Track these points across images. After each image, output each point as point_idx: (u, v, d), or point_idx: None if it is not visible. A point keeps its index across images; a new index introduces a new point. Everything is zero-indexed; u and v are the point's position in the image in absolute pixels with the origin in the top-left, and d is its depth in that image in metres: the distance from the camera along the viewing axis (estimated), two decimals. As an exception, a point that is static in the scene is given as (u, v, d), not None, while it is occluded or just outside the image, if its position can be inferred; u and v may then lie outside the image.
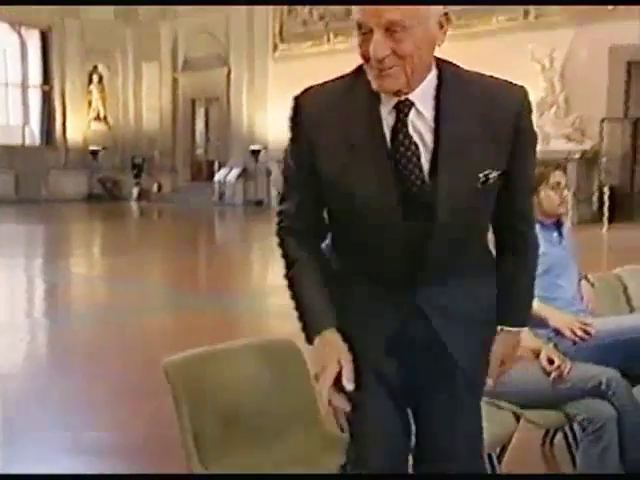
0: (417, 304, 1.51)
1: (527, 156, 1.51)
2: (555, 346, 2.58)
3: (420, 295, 1.51)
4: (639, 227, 12.58)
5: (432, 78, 1.43)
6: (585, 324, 2.63)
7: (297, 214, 1.58)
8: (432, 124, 1.42)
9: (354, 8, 1.37)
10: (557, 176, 2.77)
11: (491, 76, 1.49)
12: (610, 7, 13.42)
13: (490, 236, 1.63)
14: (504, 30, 14.50)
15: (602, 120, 13.50)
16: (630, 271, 3.41)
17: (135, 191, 21.65)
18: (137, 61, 22.77)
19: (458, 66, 1.48)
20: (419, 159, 1.43)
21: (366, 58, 1.38)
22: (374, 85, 1.40)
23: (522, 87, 1.49)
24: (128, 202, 21.08)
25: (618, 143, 13.71)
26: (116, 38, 22.45)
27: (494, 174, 1.44)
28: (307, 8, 18.34)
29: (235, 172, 19.24)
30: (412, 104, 1.42)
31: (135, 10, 22.41)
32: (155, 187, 21.76)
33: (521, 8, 14.52)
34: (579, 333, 2.60)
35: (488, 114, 1.43)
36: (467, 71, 1.48)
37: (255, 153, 18.72)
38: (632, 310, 3.24)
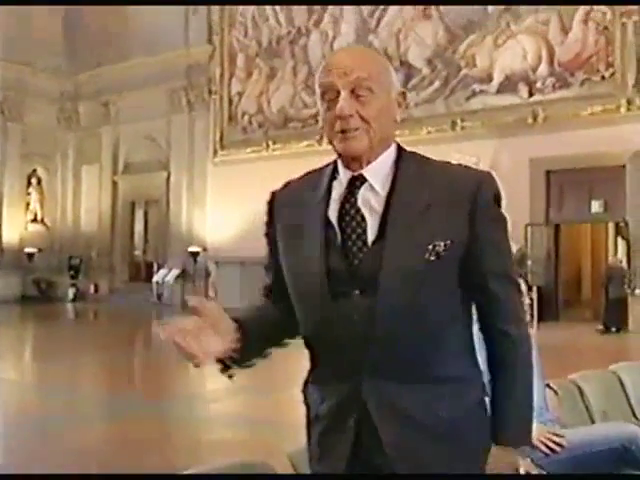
0: (362, 398, 1.39)
1: (490, 238, 1.42)
2: (530, 459, 2.46)
3: (366, 388, 1.39)
4: (565, 327, 13.16)
5: (390, 154, 1.44)
6: (556, 435, 2.55)
7: (267, 294, 1.60)
8: (383, 198, 1.41)
9: (319, 74, 1.44)
10: None
11: (459, 164, 1.50)
12: (529, 121, 14.52)
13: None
14: (433, 140, 15.30)
15: (526, 225, 14.29)
16: (584, 376, 3.44)
17: (71, 292, 21.35)
18: (77, 164, 23.01)
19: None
20: (364, 231, 1.40)
21: (331, 125, 1.40)
22: (338, 148, 1.41)
23: (485, 171, 1.49)
24: (63, 303, 20.72)
25: (541, 246, 14.48)
26: (57, 142, 22.74)
27: (442, 244, 1.36)
28: (247, 117, 19.10)
29: (174, 273, 19.30)
30: (365, 179, 1.42)
31: (77, 115, 22.89)
32: (92, 288, 21.53)
33: (449, 120, 15.52)
34: (551, 445, 2.52)
35: (442, 189, 1.40)
36: (429, 158, 1.48)
37: (194, 254, 18.89)
38: (592, 416, 3.20)
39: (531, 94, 14.63)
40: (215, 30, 19.63)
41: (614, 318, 12.23)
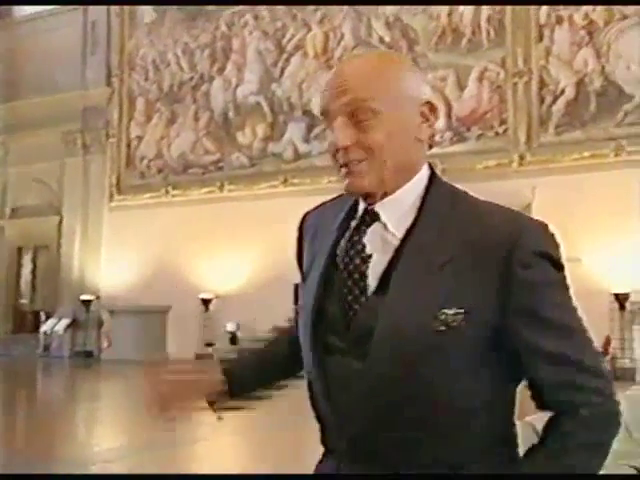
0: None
1: (535, 299, 1.11)
2: None
3: (344, 472, 1.18)
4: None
5: (416, 185, 1.19)
6: None
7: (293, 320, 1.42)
8: (397, 240, 1.16)
9: (321, 98, 1.22)
10: None
11: (503, 208, 1.20)
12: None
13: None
14: (333, 190, 15.44)
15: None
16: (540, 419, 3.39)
17: (-53, 344, 19.83)
18: (-41, 207, 21.69)
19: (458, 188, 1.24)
20: (362, 277, 1.17)
21: (332, 156, 1.19)
22: (344, 187, 1.20)
23: (531, 219, 1.19)
24: (-61, 356, 19.19)
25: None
26: (-62, 183, 21.40)
27: (451, 312, 1.09)
28: (145, 162, 18.66)
29: (64, 322, 18.31)
30: (376, 215, 1.19)
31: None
32: (-29, 340, 20.09)
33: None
34: None
35: (470, 239, 1.12)
36: (467, 193, 1.22)
37: (86, 303, 18.03)
38: None
39: (430, 147, 14.99)
40: (114, 72, 19.22)
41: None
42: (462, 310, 1.09)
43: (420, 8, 15.38)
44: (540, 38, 14.11)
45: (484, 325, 1.10)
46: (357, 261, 1.17)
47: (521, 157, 14.21)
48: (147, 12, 18.87)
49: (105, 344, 17.43)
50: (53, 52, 19.56)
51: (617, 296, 12.87)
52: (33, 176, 19.92)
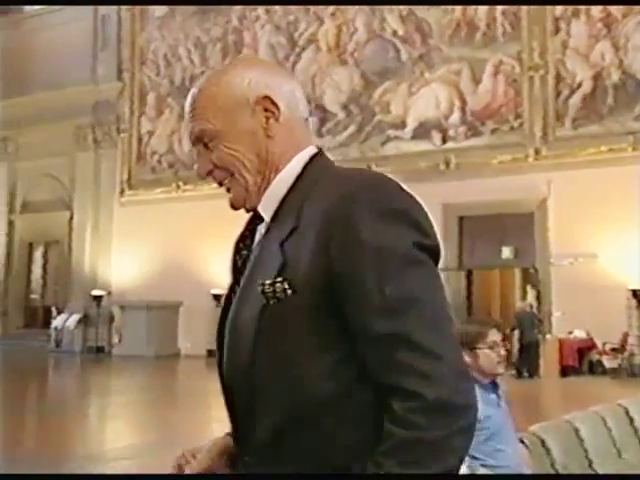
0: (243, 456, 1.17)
1: (355, 265, 1.02)
2: None
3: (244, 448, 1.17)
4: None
5: (286, 175, 1.17)
6: None
7: None
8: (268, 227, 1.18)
9: None
10: (494, 334, 2.65)
11: (355, 170, 1.14)
12: (442, 167, 14.77)
13: None
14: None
15: (440, 270, 14.37)
16: (544, 428, 3.37)
17: (-42, 339, 19.82)
18: (-31, 202, 21.67)
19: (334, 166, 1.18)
20: (242, 271, 1.18)
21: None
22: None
23: (367, 174, 1.13)
24: (-51, 351, 19.19)
25: (454, 292, 14.60)
26: (-51, 178, 21.38)
27: (268, 282, 1.05)
28: (157, 157, 18.58)
29: (75, 318, 18.26)
30: (259, 214, 1.18)
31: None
32: (-18, 335, 20.08)
33: (364, 164, 15.57)
34: None
35: (312, 205, 1.09)
36: (340, 168, 1.17)
37: (97, 298, 17.97)
38: (590, 462, 3.16)
39: (444, 141, 14.92)
40: (125, 67, 19.15)
41: (526, 363, 12.35)
42: (281, 278, 1.04)
43: (434, 2, 15.21)
44: (556, 31, 13.95)
45: (313, 297, 1.03)
46: (239, 263, 1.19)
47: (537, 151, 14.05)
48: (158, 7, 18.77)
49: (116, 339, 17.37)
50: (64, 47, 19.50)
51: (634, 292, 12.71)
52: (44, 171, 19.89)
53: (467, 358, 2.45)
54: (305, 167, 1.17)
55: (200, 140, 1.18)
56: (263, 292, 1.05)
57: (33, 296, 20.51)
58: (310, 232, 1.05)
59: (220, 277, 16.40)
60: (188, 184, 17.73)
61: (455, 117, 14.87)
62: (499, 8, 14.50)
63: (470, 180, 14.19)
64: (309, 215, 1.07)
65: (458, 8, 14.88)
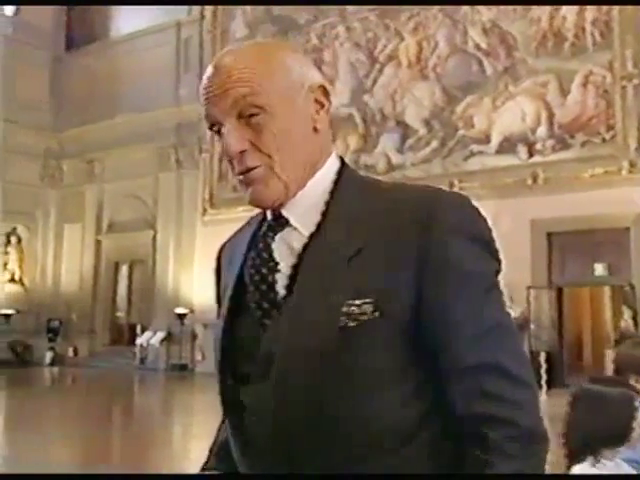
0: None
1: (446, 292, 0.96)
2: None
3: None
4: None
5: (322, 178, 1.05)
6: None
7: None
8: (304, 241, 1.03)
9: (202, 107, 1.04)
10: None
11: (416, 185, 1.07)
12: (529, 182, 14.34)
13: None
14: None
15: (528, 288, 13.92)
16: None
17: (48, 356, 20.46)
18: (59, 223, 22.44)
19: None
20: (270, 287, 1.03)
21: (231, 167, 1.04)
22: (248, 201, 1.05)
23: (443, 190, 1.03)
24: (40, 368, 19.79)
25: (544, 310, 14.10)
26: (39, 200, 22.20)
27: (356, 304, 0.95)
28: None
29: (159, 335, 18.57)
30: (286, 220, 1.05)
31: (60, 172, 22.46)
32: (71, 351, 20.65)
33: (446, 180, 15.29)
34: None
35: (381, 222, 0.99)
36: (379, 180, 1.08)
37: (181, 316, 18.22)
38: None
39: (531, 155, 14.50)
40: (207, 89, 19.45)
41: (627, 385, 11.74)
42: (370, 300, 0.94)
43: (518, 14, 14.89)
44: (651, 39, 13.39)
45: (399, 321, 0.95)
46: (264, 271, 1.04)
47: (632, 164, 13.46)
48: (239, 28, 19.07)
49: (199, 357, 17.53)
50: (148, 71, 20.04)
51: None
52: (128, 192, 20.42)
53: (633, 382, 2.26)
54: (339, 174, 1.06)
55: (238, 111, 1.00)
56: (346, 313, 0.94)
57: (119, 314, 21.01)
58: (390, 252, 0.96)
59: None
60: (269, 203, 17.82)
61: (542, 130, 14.43)
62: (588, 17, 14.04)
63: (559, 195, 13.72)
64: (383, 234, 0.97)
65: (544, 18, 14.50)
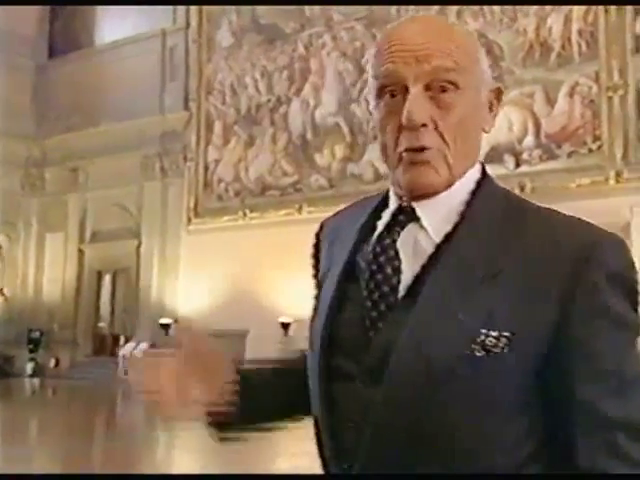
0: None
1: (594, 336, 0.89)
2: None
3: None
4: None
5: (466, 181, 0.97)
6: None
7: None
8: (433, 247, 0.94)
9: (374, 58, 0.96)
10: None
11: (570, 216, 0.96)
12: (517, 192, 14.33)
13: None
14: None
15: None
16: None
17: (29, 367, 20.16)
18: (41, 232, 22.18)
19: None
20: (393, 289, 0.95)
21: (393, 140, 0.94)
22: (401, 181, 0.95)
23: (608, 232, 0.93)
24: (21, 379, 19.47)
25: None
26: (21, 209, 21.94)
27: (494, 335, 0.87)
28: (223, 185, 18.67)
29: (142, 346, 18.29)
30: (413, 215, 0.96)
31: (42, 181, 22.22)
32: (52, 362, 20.35)
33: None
34: None
35: (529, 250, 0.91)
36: (524, 199, 1.00)
37: (165, 326, 18.00)
38: None
39: (518, 165, 14.53)
40: (192, 97, 19.38)
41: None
42: (507, 333, 0.87)
43: (505, 24, 14.95)
44: (637, 49, 13.47)
45: (530, 356, 0.89)
46: (388, 270, 0.95)
47: (618, 174, 13.52)
48: (225, 36, 19.01)
49: (183, 368, 17.37)
50: (133, 79, 19.91)
51: None
52: (112, 200, 20.22)
53: None
54: (478, 184, 0.98)
55: (432, 86, 0.92)
56: (480, 342, 0.87)
57: (101, 324, 20.76)
58: (527, 281, 0.89)
59: (288, 305, 16.25)
60: (255, 212, 17.73)
61: (529, 140, 14.47)
62: (574, 28, 14.13)
63: (547, 205, 13.57)
64: (521, 258, 0.90)
65: (531, 29, 14.58)
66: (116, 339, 19.55)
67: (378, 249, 0.97)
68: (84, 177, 21.23)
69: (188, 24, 19.72)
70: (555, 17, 14.39)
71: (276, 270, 16.21)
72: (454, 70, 0.92)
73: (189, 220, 19.08)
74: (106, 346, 20.19)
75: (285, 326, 16.16)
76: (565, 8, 14.28)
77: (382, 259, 0.96)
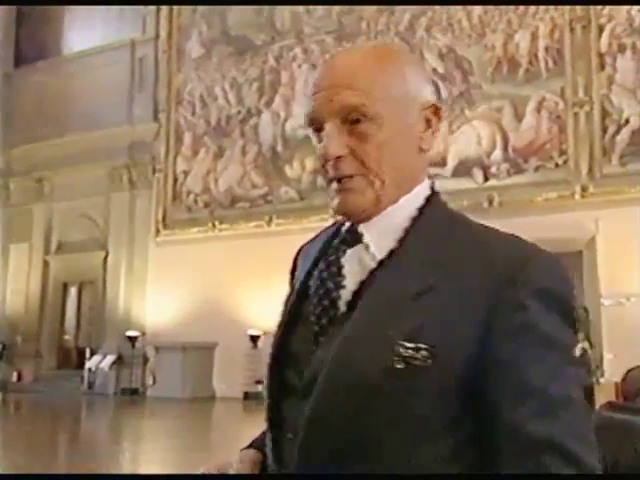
0: None
1: (520, 353, 0.89)
2: None
3: None
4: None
5: (411, 201, 1.00)
6: None
7: None
8: (375, 263, 0.98)
9: (307, 100, 1.02)
10: None
11: (506, 234, 0.99)
12: (485, 205, 14.49)
13: None
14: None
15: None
16: None
17: (-10, 381, 19.70)
18: (5, 242, 21.75)
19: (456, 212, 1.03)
20: (333, 304, 0.98)
21: (323, 170, 1.01)
22: (332, 206, 1.00)
23: (541, 250, 0.96)
24: (-19, 393, 19.03)
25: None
26: (-17, 218, 21.54)
27: (411, 347, 0.88)
28: (192, 196, 18.54)
29: (109, 359, 18.05)
30: (359, 235, 1.01)
31: (7, 191, 21.85)
32: (15, 376, 19.91)
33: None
34: None
35: (460, 267, 0.93)
36: (468, 218, 1.02)
37: (132, 339, 17.77)
38: None
39: (486, 179, 14.67)
40: (161, 107, 19.25)
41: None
42: (426, 346, 0.89)
43: (474, 39, 15.14)
44: (602, 67, 13.72)
45: (454, 371, 0.89)
46: (330, 285, 1.00)
47: (583, 189, 13.73)
48: (195, 47, 18.94)
49: (150, 381, 17.10)
50: (101, 89, 19.71)
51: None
52: (79, 211, 19.95)
53: None
54: (427, 202, 1.02)
55: (344, 115, 0.97)
56: (398, 354, 0.89)
57: (66, 337, 20.39)
58: (460, 298, 0.90)
59: (257, 317, 16.15)
60: (224, 223, 17.62)
61: (497, 154, 14.64)
62: (541, 45, 14.36)
63: (514, 218, 13.79)
64: (458, 277, 0.92)
65: (499, 45, 14.78)
66: (82, 352, 19.18)
67: (323, 266, 1.02)
68: (50, 187, 20.90)
69: (158, 34, 19.61)
70: (522, 33, 14.62)
71: (245, 282, 16.12)
72: (363, 105, 0.95)
73: (157, 231, 18.89)
74: (71, 359, 19.81)
75: (254, 339, 16.05)
76: (532, 25, 14.52)
77: (325, 274, 1.00)
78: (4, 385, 19.55)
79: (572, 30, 14.03)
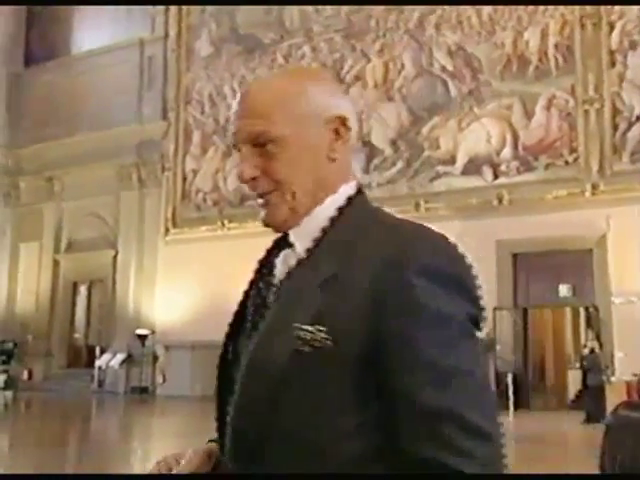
0: None
1: (409, 331, 0.93)
2: None
3: None
4: (537, 414, 12.68)
5: (330, 204, 1.06)
6: None
7: None
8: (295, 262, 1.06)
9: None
10: None
11: (404, 221, 1.03)
12: (495, 203, 14.44)
13: None
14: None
15: (494, 309, 13.95)
16: None
17: (1, 379, 19.76)
18: (15, 242, 21.85)
19: (377, 208, 1.07)
20: (265, 299, 1.06)
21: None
22: (260, 218, 1.09)
23: (422, 229, 1.00)
24: (-7, 391, 19.12)
25: (509, 331, 14.14)
26: (-6, 217, 21.65)
27: (308, 330, 0.94)
28: (201, 195, 18.56)
29: (118, 357, 18.11)
30: (290, 243, 1.07)
31: (17, 191, 21.94)
32: (25, 374, 20.00)
33: (412, 201, 15.34)
34: None
35: (357, 254, 0.98)
36: (387, 214, 1.06)
37: (142, 337, 17.81)
38: None
39: (495, 177, 14.62)
40: (170, 106, 19.29)
41: (593, 407, 11.78)
42: (324, 328, 0.94)
43: (483, 37, 15.09)
44: (612, 64, 13.65)
45: (353, 352, 0.94)
46: (261, 285, 1.10)
47: (594, 186, 13.66)
48: (204, 46, 18.96)
49: (160, 379, 17.14)
50: (110, 88, 19.76)
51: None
52: (88, 210, 20.01)
53: None
54: (348, 202, 1.07)
55: (252, 141, 1.05)
56: (299, 337, 0.95)
57: (77, 335, 20.48)
58: (355, 282, 0.96)
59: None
60: (233, 222, 17.63)
61: (507, 152, 14.58)
62: (551, 42, 14.30)
63: (524, 216, 13.84)
64: (355, 263, 0.98)
65: (508, 42, 14.72)
66: (91, 350, 19.28)
67: (265, 270, 1.10)
68: (60, 186, 20.99)
69: (167, 33, 19.65)
70: (532, 31, 14.56)
71: (254, 281, 16.11)
72: (266, 132, 1.03)
73: (167, 230, 18.93)
74: (81, 357, 19.91)
75: (263, 337, 16.05)
76: (542, 22, 14.46)
77: (258, 276, 1.11)
78: (15, 383, 19.66)
79: (583, 27, 13.97)
